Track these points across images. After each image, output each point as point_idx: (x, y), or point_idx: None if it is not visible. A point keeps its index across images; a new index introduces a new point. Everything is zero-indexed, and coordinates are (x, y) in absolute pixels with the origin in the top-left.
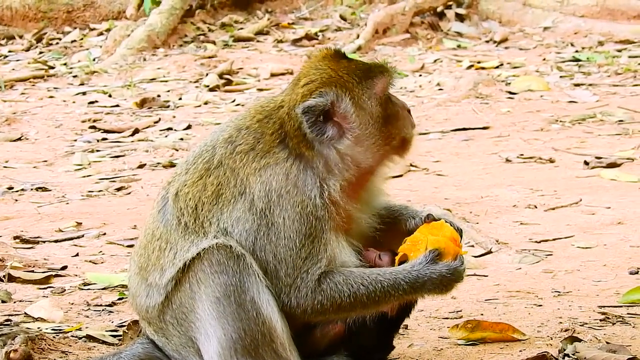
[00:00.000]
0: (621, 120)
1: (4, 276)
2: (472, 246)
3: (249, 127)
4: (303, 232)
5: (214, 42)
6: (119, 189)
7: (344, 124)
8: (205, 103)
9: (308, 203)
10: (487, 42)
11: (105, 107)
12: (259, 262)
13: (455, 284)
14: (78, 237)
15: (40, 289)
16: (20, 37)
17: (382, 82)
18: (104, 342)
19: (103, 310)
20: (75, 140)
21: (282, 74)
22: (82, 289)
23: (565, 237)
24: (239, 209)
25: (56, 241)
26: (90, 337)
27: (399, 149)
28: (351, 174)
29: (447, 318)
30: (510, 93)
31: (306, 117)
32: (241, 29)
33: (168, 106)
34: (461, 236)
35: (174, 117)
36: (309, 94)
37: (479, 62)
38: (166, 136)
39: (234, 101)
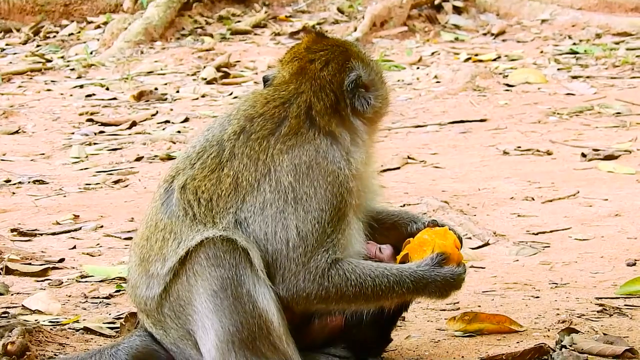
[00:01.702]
0: (619, 113)
1: (1, 269)
2: (470, 238)
3: (263, 114)
4: (334, 204)
5: (211, 35)
6: (116, 182)
7: (371, 90)
8: (203, 96)
9: (339, 173)
10: (485, 34)
11: (102, 100)
12: (276, 245)
13: (455, 290)
14: (75, 230)
15: (37, 281)
16: (18, 30)
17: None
18: (101, 334)
19: (100, 302)
20: (73, 133)
21: None
22: (80, 282)
23: (563, 229)
24: (265, 190)
25: (53, 234)
26: (87, 330)
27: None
28: (370, 145)
29: (444, 310)
30: (508, 85)
31: (352, 93)
32: (239, 22)
33: (165, 99)
34: (461, 244)
35: (172, 110)
36: (337, 72)
37: (476, 55)
38: (163, 129)
39: (231, 94)
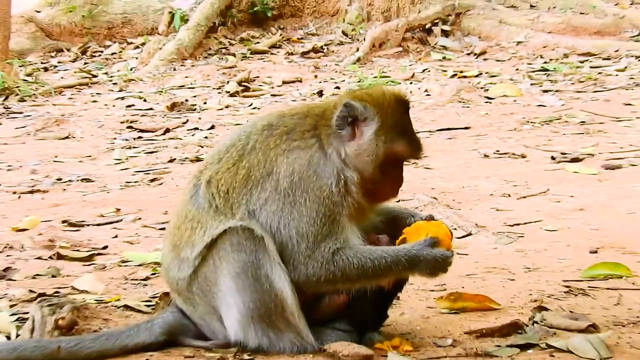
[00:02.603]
0: (583, 122)
1: (53, 254)
2: (455, 229)
3: (295, 114)
4: (322, 212)
5: (234, 55)
6: (152, 180)
7: (357, 136)
8: (227, 107)
9: (325, 189)
10: (468, 54)
11: (140, 110)
12: (281, 237)
13: (442, 272)
14: (117, 221)
15: (84, 265)
16: (68, 50)
17: (402, 147)
18: (139, 311)
19: (139, 283)
20: (115, 139)
21: (293, 82)
22: (121, 266)
23: (535, 222)
24: (267, 189)
25: (98, 225)
26: (127, 307)
27: (373, 195)
28: (359, 175)
29: (433, 290)
30: (488, 98)
31: (342, 109)
32: (257, 43)
33: (194, 109)
34: (452, 237)
35: (200, 118)
36: (358, 99)
37: (461, 72)
38: (193, 135)
39: (251, 105)
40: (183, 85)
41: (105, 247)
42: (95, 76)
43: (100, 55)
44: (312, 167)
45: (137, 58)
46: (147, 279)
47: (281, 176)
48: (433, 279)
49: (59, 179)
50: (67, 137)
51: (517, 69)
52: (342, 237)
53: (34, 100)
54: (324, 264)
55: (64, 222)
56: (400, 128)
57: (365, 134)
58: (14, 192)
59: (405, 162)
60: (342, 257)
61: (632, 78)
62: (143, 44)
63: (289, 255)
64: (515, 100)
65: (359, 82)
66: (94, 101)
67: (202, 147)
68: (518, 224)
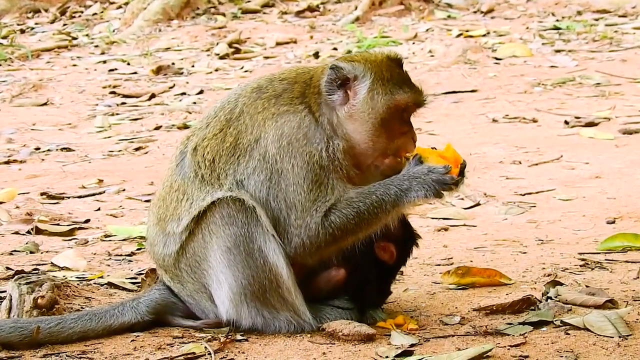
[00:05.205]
0: (598, 83)
1: (31, 229)
2: (462, 199)
3: (284, 79)
4: (310, 178)
5: (223, 14)
6: (137, 149)
7: (351, 98)
8: (216, 70)
9: (315, 154)
10: (475, 12)
11: (124, 74)
12: (271, 210)
13: (439, 184)
14: (100, 193)
15: (65, 240)
16: (46, 10)
17: (404, 97)
18: (124, 289)
19: (123, 259)
20: (97, 105)
21: (287, 43)
22: (104, 240)
23: (548, 190)
24: (255, 157)
25: (80, 197)
26: (111, 284)
27: (383, 156)
28: (350, 143)
29: (439, 265)
30: (496, 59)
31: (329, 73)
32: (249, 1)
33: (182, 73)
34: (463, 168)
35: (187, 83)
36: (345, 60)
37: (467, 31)
38: (180, 100)
39: (242, 68)
40: (169, 48)
41: (87, 221)
42: (75, 38)
43: (80, 15)
44: (302, 131)
45: (120, 19)
46: (132, 254)
47: (269, 141)
48: (435, 199)
49: (37, 149)
50: (45, 104)
51: (527, 28)
52: (332, 197)
53: (9, 65)
54: (320, 227)
55: (42, 194)
56: (397, 79)
57: (360, 92)
58: None
59: (412, 115)
60: (336, 214)
61: None
62: (126, 3)
63: (282, 227)
64: (525, 61)
65: (357, 42)
66: (74, 65)
67: (190, 113)
68: (530, 193)
